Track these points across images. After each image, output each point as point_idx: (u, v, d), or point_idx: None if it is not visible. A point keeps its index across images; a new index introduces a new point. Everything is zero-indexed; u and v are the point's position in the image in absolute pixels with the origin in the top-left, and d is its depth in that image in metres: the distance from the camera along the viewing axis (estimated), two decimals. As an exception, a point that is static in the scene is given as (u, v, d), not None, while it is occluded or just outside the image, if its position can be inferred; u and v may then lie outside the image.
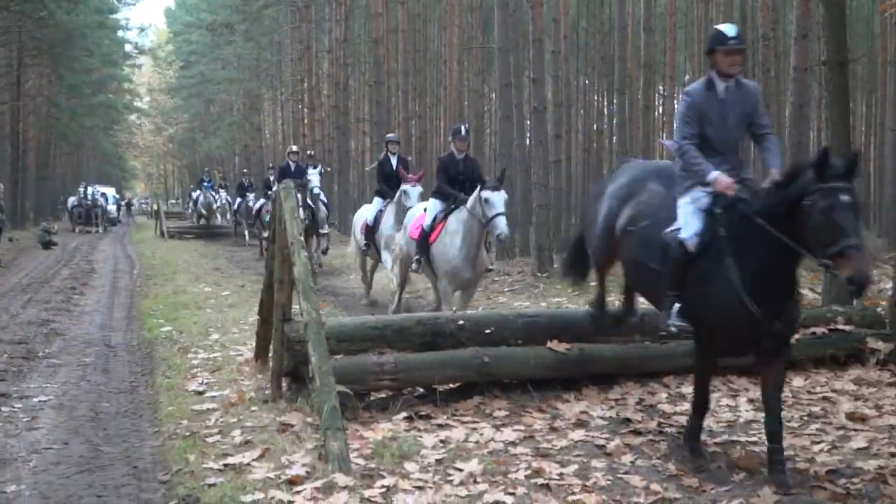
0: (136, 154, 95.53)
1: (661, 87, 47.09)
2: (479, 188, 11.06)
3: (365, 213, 15.51)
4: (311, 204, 18.51)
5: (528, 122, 27.48)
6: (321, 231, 19.80)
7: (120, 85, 69.41)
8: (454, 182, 11.92)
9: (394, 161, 15.06)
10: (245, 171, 37.05)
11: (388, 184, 14.84)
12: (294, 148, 21.30)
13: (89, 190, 44.00)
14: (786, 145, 22.84)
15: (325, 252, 20.19)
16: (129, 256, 28.23)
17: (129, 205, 63.22)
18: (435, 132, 48.62)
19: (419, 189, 13.74)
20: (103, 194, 46.98)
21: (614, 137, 35.72)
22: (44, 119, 53.99)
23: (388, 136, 16.17)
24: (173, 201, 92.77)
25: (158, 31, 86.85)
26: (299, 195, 14.32)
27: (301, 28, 45.51)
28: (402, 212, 13.47)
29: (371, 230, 14.80)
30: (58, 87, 49.48)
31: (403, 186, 13.77)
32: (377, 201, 15.10)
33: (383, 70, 38.90)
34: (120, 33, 60.55)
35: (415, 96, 41.21)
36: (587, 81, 50.46)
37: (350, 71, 42.98)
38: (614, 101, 30.96)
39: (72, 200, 45.57)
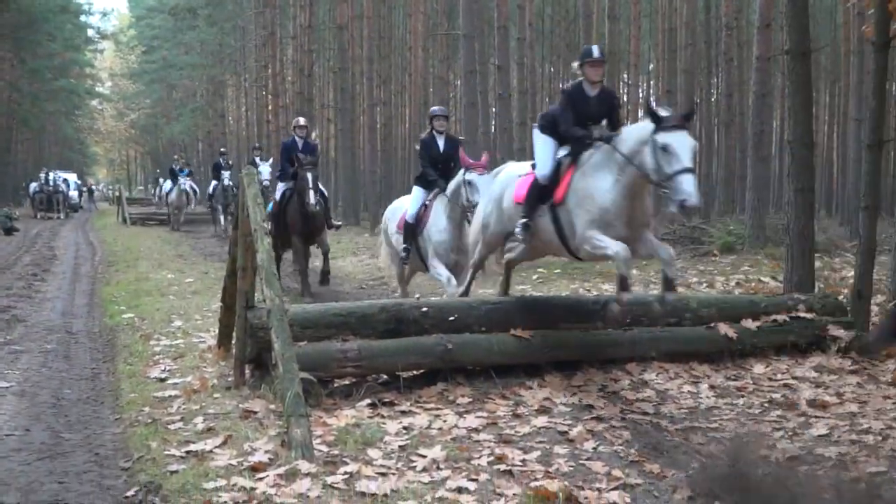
0: (97, 140, 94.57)
1: (625, 76, 47.20)
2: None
3: (403, 207, 12.42)
4: (322, 189, 14.92)
5: (493, 110, 27.53)
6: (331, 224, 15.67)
7: (82, 70, 68.67)
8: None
9: (441, 142, 12.02)
10: (223, 149, 36.25)
11: (434, 170, 11.92)
12: (301, 121, 16.91)
13: (51, 176, 43.57)
14: (748, 134, 23.06)
15: (324, 276, 15.16)
16: (91, 243, 27.98)
17: (90, 191, 62.68)
18: (400, 119, 48.62)
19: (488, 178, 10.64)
20: (65, 180, 46.58)
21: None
22: (5, 104, 53.48)
23: (432, 109, 13.09)
24: (140, 188, 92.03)
25: (121, 15, 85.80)
26: (310, 175, 13.99)
27: (265, 13, 45.25)
28: (458, 209, 11.05)
29: (413, 230, 11.83)
30: (20, 71, 49.04)
31: (467, 176, 10.85)
32: (419, 192, 11.93)
33: (348, 56, 38.82)
34: (82, 17, 60.11)
35: (379, 83, 41.12)
36: (552, 69, 50.62)
37: (314, 57, 42.79)
38: (579, 88, 30.90)
39: (33, 186, 45.03)
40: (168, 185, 35.59)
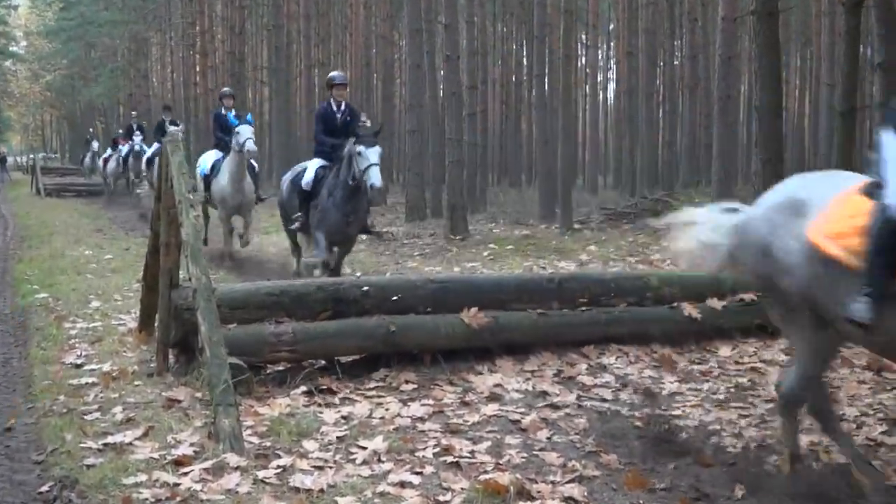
0: (10, 104, 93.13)
1: (583, 36, 47.33)
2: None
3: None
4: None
5: (441, 72, 27.46)
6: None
7: (-6, 28, 67.62)
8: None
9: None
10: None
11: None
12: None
13: (-43, 143, 42.88)
14: (714, 99, 23.21)
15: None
16: (3, 216, 27.63)
17: (2, 159, 61.77)
18: (340, 82, 48.20)
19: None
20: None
21: (533, 90, 35.83)
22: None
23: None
24: (52, 155, 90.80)
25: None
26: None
27: (192, -36, 44.76)
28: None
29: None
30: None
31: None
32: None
33: (283, 13, 38.50)
34: (-6, -30, 59.01)
35: (318, 42, 40.92)
36: (504, 28, 50.59)
37: (246, 14, 42.38)
38: (534, 49, 31.00)
39: (-62, 155, 44.22)
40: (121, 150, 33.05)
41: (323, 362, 7.66)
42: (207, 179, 15.77)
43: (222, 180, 15.10)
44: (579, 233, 20.24)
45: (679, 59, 42.37)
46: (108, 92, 60.07)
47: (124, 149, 30.25)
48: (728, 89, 21.66)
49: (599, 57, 56.20)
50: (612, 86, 60.94)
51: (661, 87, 42.17)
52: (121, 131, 30.59)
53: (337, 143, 11.61)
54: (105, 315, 10.23)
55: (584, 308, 8.42)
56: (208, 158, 16.03)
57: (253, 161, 15.53)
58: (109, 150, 34.15)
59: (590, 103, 49.95)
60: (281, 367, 7.51)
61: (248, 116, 15.09)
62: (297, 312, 7.58)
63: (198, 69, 47.05)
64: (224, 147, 15.45)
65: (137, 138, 28.71)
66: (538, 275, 10.72)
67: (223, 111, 15.93)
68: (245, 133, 14.19)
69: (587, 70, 50.02)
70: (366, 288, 7.92)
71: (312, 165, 12.05)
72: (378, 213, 26.58)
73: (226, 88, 17.28)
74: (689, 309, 8.76)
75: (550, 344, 8.29)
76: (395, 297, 7.92)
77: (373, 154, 10.88)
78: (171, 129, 18.78)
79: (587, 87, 49.99)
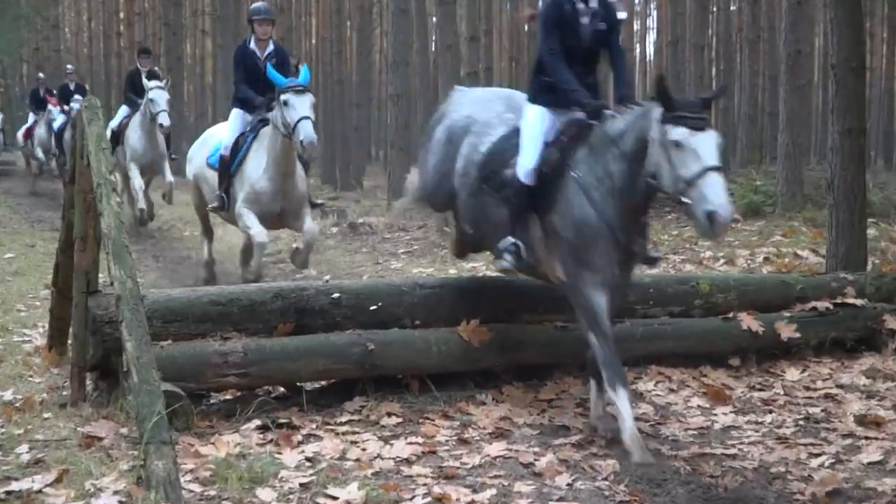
0: None
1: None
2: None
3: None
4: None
5: (433, 19, 27.46)
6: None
7: None
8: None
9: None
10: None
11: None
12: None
13: None
14: (780, 56, 23.24)
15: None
16: None
17: None
18: (304, 32, 48.33)
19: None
20: None
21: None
22: None
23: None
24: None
25: None
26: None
27: None
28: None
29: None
30: None
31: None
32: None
33: (231, -55, 38.42)
34: None
35: (275, -19, 40.84)
36: (514, -36, 50.61)
37: (185, -55, 42.42)
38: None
39: None
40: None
41: (282, 390, 7.69)
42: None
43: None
44: (609, 224, 20.17)
45: (736, 3, 42.45)
46: (9, 46, 60.00)
47: (57, 116, 29.75)
48: (798, 42, 21.66)
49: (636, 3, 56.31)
50: (651, 36, 61.09)
51: (713, 39, 42.20)
52: (42, 90, 30.04)
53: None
54: (5, 330, 10.22)
55: (615, 319, 8.43)
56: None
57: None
58: (32, 117, 33.60)
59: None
60: (229, 396, 7.54)
61: (304, 70, 12.46)
62: (250, 326, 7.60)
63: (121, 16, 47.01)
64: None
65: (76, 104, 28.25)
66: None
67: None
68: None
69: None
70: (336, 295, 7.92)
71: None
72: (353, 200, 26.64)
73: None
74: (747, 321, 8.80)
75: (572, 366, 8.31)
76: (373, 307, 7.94)
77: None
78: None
79: (620, 37, 50.06)
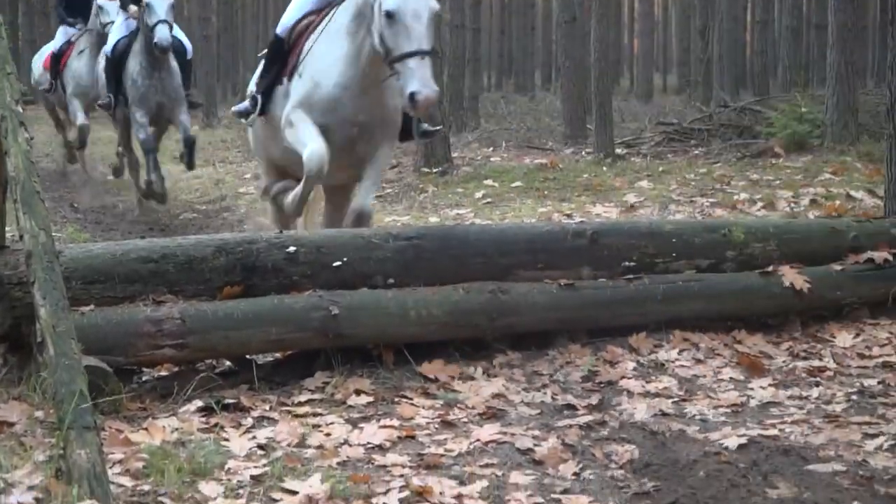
0: None
1: None
2: None
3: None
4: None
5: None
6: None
7: None
8: None
9: None
10: None
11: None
12: None
13: None
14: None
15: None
16: None
17: None
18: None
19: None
20: None
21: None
22: None
23: None
24: None
25: None
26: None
27: None
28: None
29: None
30: None
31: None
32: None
33: None
34: None
35: None
36: None
37: None
38: None
39: None
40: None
41: (228, 364, 7.67)
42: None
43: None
44: (624, 161, 20.25)
45: None
46: None
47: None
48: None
49: None
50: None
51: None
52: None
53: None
54: None
55: (631, 276, 8.40)
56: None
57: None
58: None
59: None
60: (164, 372, 7.51)
61: None
62: (188, 287, 7.51)
63: None
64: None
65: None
66: (561, 226, 10.58)
67: None
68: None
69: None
70: (292, 249, 7.80)
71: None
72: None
73: None
74: (790, 276, 8.76)
75: (579, 331, 8.30)
76: (337, 263, 7.86)
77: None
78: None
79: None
